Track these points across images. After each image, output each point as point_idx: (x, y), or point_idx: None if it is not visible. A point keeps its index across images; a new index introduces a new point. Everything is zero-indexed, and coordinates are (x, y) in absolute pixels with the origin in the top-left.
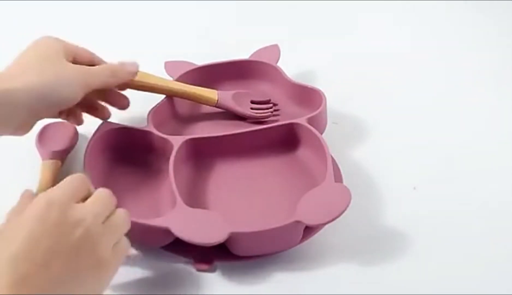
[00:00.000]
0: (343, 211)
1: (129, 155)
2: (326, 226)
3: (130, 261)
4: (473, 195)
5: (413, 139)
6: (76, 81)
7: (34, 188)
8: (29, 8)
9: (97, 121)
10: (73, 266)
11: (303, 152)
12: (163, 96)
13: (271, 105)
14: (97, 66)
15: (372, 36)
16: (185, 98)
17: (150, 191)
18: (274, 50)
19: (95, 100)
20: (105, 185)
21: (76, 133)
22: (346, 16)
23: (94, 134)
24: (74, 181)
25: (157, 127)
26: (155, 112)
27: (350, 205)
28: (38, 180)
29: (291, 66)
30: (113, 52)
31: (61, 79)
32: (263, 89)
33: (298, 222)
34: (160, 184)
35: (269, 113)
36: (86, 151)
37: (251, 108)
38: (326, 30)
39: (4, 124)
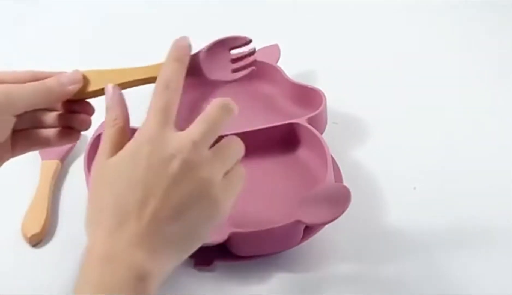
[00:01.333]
0: (343, 211)
1: None
2: (326, 226)
3: None
4: (473, 195)
5: (413, 139)
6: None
7: (34, 188)
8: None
9: (98, 121)
10: (173, 200)
11: (303, 152)
12: None
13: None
14: (20, 85)
15: (372, 36)
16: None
17: None
18: (274, 50)
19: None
20: None
21: None
22: (346, 16)
23: (94, 134)
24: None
25: None
26: None
27: (350, 205)
28: (38, 180)
29: (291, 66)
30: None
31: None
32: (263, 89)
33: (298, 221)
34: None
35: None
36: (86, 151)
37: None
38: (326, 30)
39: None
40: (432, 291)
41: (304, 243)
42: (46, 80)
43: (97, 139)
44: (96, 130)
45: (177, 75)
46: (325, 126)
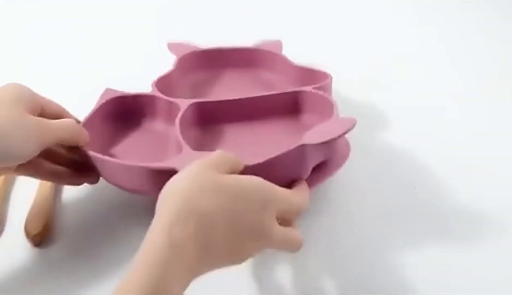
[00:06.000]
0: (349, 130)
1: (134, 122)
2: (326, 226)
3: (124, 259)
4: (474, 195)
5: (414, 139)
6: (30, 134)
7: (34, 188)
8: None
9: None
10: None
11: (309, 117)
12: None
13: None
14: (54, 121)
15: (372, 36)
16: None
17: (155, 154)
18: (277, 44)
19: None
20: (105, 148)
21: None
22: (347, 14)
23: (96, 104)
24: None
25: (162, 92)
26: (160, 79)
27: (350, 205)
28: (38, 180)
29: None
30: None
31: (13, 129)
32: (266, 76)
33: (302, 146)
34: (166, 147)
35: None
36: (86, 118)
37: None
38: (327, 27)
39: None
40: (433, 291)
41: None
42: (75, 123)
43: (99, 108)
44: (98, 100)
45: None
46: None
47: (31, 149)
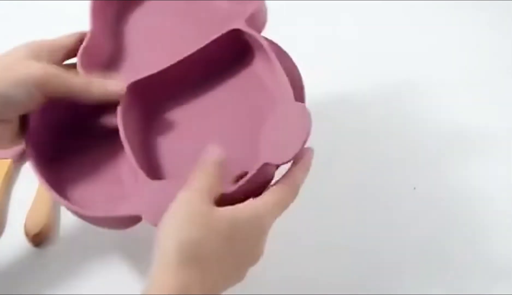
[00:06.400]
0: (305, 142)
1: (71, 128)
2: (324, 224)
3: (124, 259)
4: (474, 195)
5: (414, 139)
6: (30, 82)
7: (34, 188)
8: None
9: None
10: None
11: (256, 66)
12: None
13: None
14: (69, 74)
15: (371, 36)
16: None
17: (106, 160)
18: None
19: None
20: (53, 172)
21: None
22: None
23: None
24: None
25: (87, 67)
26: (83, 54)
27: (350, 205)
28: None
29: None
30: None
31: (13, 80)
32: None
33: (266, 164)
34: (118, 164)
35: None
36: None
37: None
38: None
39: None
40: (433, 291)
41: (303, 244)
42: (92, 80)
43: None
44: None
45: None
46: (265, 23)
47: (31, 97)
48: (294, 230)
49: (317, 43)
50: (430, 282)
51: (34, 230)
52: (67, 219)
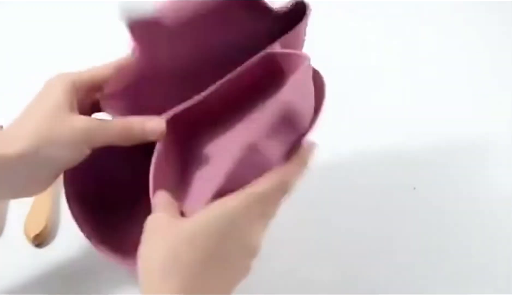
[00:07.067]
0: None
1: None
2: (324, 224)
3: None
4: (474, 195)
5: (414, 139)
6: (78, 140)
7: None
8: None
9: None
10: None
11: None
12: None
13: None
14: (111, 122)
15: (372, 35)
16: None
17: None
18: None
19: None
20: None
21: None
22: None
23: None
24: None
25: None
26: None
27: (349, 205)
28: None
29: None
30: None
31: (60, 141)
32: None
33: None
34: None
35: None
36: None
37: None
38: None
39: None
40: (433, 291)
41: (302, 244)
42: (131, 123)
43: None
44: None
45: None
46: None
47: (77, 156)
48: (294, 230)
49: (317, 42)
50: (430, 282)
51: (34, 230)
52: (67, 219)
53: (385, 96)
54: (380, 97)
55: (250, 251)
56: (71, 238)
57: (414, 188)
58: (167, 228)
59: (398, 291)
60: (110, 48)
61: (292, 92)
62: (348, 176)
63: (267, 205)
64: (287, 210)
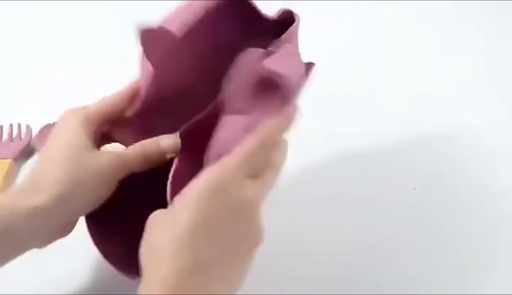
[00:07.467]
0: None
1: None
2: (324, 224)
3: None
4: (474, 195)
5: (414, 139)
6: (106, 177)
7: None
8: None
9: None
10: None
11: None
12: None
13: None
14: (128, 151)
15: (371, 35)
16: None
17: None
18: None
19: None
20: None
21: None
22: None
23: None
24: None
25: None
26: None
27: (349, 205)
28: None
29: None
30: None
31: (88, 181)
32: None
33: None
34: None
35: None
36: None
37: None
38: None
39: (30, 242)
40: (433, 291)
41: (301, 243)
42: (146, 146)
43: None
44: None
45: None
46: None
47: (106, 193)
48: (293, 229)
49: (317, 42)
50: (430, 282)
51: None
52: None
53: (385, 96)
54: (380, 97)
55: (247, 208)
56: (71, 238)
57: (414, 188)
58: (167, 215)
59: (398, 291)
60: (111, 48)
61: (278, 59)
62: (348, 176)
63: (255, 163)
64: (287, 210)
